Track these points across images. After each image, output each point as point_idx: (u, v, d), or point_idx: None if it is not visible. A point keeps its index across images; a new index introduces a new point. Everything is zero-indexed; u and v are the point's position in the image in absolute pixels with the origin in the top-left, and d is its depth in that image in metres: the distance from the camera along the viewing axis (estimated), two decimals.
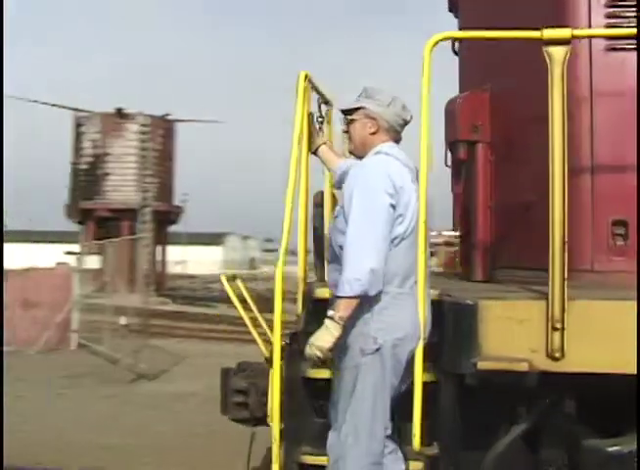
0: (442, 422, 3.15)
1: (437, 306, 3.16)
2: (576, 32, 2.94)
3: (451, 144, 3.96)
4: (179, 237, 56.73)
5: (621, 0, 3.49)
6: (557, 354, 2.91)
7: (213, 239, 79.40)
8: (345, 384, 3.03)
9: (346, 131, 3.29)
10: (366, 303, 2.95)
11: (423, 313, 3.02)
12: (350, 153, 3.37)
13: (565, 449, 3.28)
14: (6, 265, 10.76)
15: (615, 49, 3.47)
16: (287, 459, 3.31)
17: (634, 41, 3.37)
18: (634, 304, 2.90)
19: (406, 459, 3.24)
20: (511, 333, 2.96)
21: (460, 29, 4.30)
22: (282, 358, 3.21)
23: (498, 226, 3.86)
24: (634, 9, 3.44)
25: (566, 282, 2.90)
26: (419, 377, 2.98)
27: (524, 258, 3.76)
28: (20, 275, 14.25)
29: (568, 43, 2.92)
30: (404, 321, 2.99)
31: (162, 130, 35.52)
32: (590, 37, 3.12)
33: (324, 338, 2.86)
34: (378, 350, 2.96)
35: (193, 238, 68.99)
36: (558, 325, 2.90)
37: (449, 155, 4.21)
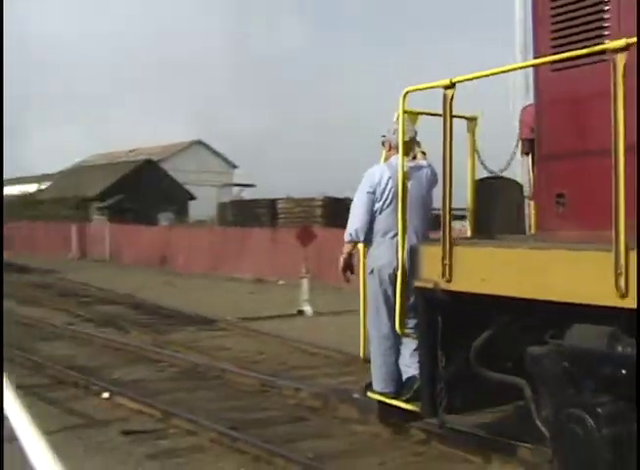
0: (419, 319, 5.40)
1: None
2: (454, 80, 4.93)
3: (522, 141, 5.82)
4: None
5: (563, 37, 5.02)
6: (446, 279, 4.99)
7: None
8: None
9: None
10: (369, 246, 5.57)
11: (402, 253, 5.38)
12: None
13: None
14: None
15: (557, 70, 5.00)
16: None
17: (569, 63, 4.94)
18: (495, 249, 4.80)
19: None
20: (433, 265, 5.12)
21: None
22: None
23: None
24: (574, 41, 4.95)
25: (451, 234, 4.95)
26: (399, 289, 5.40)
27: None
28: None
29: (452, 87, 4.95)
30: (382, 257, 5.55)
31: None
32: (468, 80, 4.89)
33: (339, 260, 5.65)
34: (372, 272, 5.56)
35: None
36: (446, 261, 4.98)
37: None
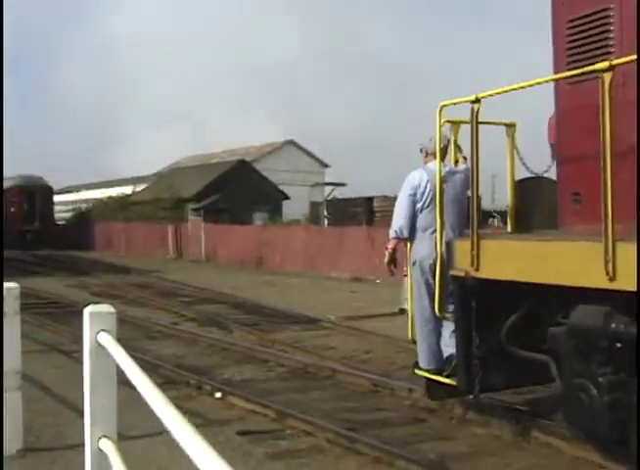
0: (455, 304, 6.22)
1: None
2: (479, 95, 5.74)
3: (551, 146, 6.56)
4: None
5: (576, 54, 5.76)
6: (475, 267, 5.82)
7: None
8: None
9: None
10: (412, 241, 6.45)
11: (440, 246, 6.23)
12: None
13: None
14: None
15: (573, 83, 5.75)
16: None
17: (580, 78, 5.69)
18: (512, 242, 5.60)
19: None
20: (465, 256, 5.95)
21: None
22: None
23: None
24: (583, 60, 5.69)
25: (478, 229, 5.78)
26: (438, 277, 6.25)
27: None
28: None
29: (478, 102, 5.77)
30: (423, 250, 6.44)
31: None
32: (490, 96, 5.66)
33: (385, 254, 6.54)
34: (414, 263, 6.44)
35: None
36: (474, 252, 5.81)
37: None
